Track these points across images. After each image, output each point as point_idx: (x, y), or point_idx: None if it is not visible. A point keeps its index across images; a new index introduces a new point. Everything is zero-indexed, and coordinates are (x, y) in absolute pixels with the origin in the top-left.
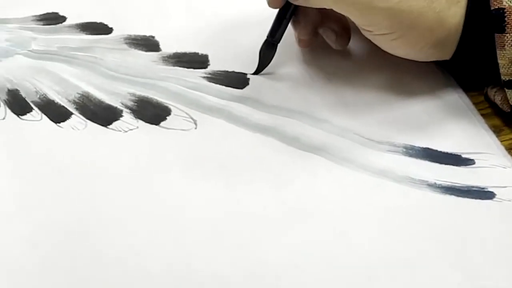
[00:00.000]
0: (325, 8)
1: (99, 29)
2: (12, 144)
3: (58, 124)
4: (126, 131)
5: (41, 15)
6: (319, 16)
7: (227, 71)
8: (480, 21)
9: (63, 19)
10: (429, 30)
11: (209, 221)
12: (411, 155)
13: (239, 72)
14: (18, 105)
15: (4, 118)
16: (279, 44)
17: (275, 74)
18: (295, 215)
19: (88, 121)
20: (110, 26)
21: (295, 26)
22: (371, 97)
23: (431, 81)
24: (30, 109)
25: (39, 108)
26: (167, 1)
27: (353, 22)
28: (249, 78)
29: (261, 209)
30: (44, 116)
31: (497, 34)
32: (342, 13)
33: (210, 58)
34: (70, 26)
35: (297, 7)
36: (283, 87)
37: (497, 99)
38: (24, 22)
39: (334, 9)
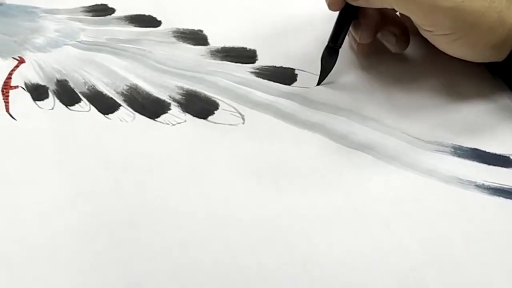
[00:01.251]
0: (384, 10)
1: (147, 21)
2: (60, 135)
3: (106, 115)
4: (174, 125)
5: (90, 6)
6: (378, 19)
7: (275, 67)
8: None
9: (111, 11)
10: (490, 30)
11: (256, 216)
12: (459, 156)
13: (287, 68)
14: (67, 95)
15: (52, 108)
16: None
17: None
18: (344, 213)
19: (136, 114)
20: (158, 19)
21: (355, 30)
22: (419, 97)
23: (481, 83)
24: (78, 100)
25: (88, 99)
26: None
27: (412, 24)
28: (297, 74)
29: (309, 206)
30: (93, 107)
31: None
32: (404, 13)
33: (258, 53)
34: (119, 18)
35: (357, 9)
36: (332, 85)
37: None
38: (73, 13)
39: (396, 8)
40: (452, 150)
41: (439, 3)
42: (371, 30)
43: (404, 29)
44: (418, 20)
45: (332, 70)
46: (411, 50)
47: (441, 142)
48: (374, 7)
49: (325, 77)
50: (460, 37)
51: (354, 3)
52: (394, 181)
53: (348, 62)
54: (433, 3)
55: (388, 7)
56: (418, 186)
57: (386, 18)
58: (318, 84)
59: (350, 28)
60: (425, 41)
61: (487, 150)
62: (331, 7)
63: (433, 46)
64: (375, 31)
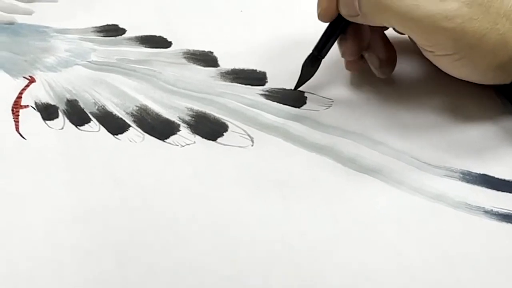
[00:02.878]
0: (375, 30)
1: (158, 42)
2: (70, 154)
3: (115, 136)
4: (183, 146)
5: (101, 26)
6: (367, 39)
7: (285, 89)
8: None
9: (122, 31)
10: (492, 52)
11: (265, 238)
12: (468, 181)
13: (296, 90)
14: (77, 115)
15: (62, 128)
16: (337, 66)
17: (331, 94)
18: (350, 235)
19: (146, 134)
20: (169, 40)
21: (341, 44)
22: (428, 121)
23: (489, 106)
24: (88, 120)
25: (97, 119)
26: (226, 17)
27: (414, 43)
28: (306, 97)
29: (316, 228)
30: (102, 128)
31: None
32: (405, 32)
33: (268, 75)
34: (130, 39)
35: (348, 24)
36: (340, 108)
37: None
38: (84, 33)
39: (397, 27)
40: (461, 175)
41: (440, 23)
42: (356, 48)
43: (391, 54)
44: (419, 40)
45: (342, 93)
46: (416, 69)
47: (450, 167)
48: (373, 25)
49: (303, 84)
50: (462, 58)
51: (351, 19)
52: (402, 205)
53: (357, 84)
54: (433, 24)
55: (388, 25)
56: (426, 211)
57: (375, 39)
58: (295, 89)
59: (337, 42)
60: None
61: (496, 176)
62: (321, 17)
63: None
64: (359, 50)
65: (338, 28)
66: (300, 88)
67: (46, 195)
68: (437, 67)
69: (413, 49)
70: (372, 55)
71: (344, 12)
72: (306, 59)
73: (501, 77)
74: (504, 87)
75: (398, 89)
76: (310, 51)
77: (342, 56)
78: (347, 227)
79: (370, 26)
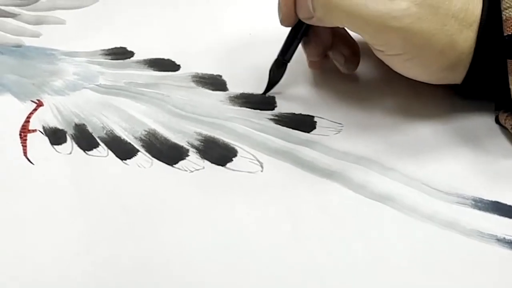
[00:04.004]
0: (336, 30)
1: (166, 65)
2: (78, 180)
3: (124, 161)
4: (192, 171)
5: (109, 49)
6: (330, 39)
7: (294, 114)
8: (492, 46)
9: (130, 54)
10: (441, 53)
11: (274, 265)
12: (480, 208)
13: (306, 115)
14: (85, 140)
15: (70, 153)
16: (347, 91)
17: (341, 119)
18: (361, 263)
19: (154, 159)
20: (177, 63)
21: (305, 46)
22: (439, 147)
23: (503, 133)
24: (96, 145)
25: (106, 144)
26: (234, 40)
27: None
28: (316, 122)
29: (327, 256)
30: (110, 152)
31: (510, 60)
32: (355, 31)
33: (277, 99)
34: (138, 62)
35: (308, 27)
36: (350, 132)
37: (508, 124)
38: (92, 56)
39: (348, 27)
40: (473, 202)
41: (389, 23)
42: (320, 48)
43: (354, 50)
44: (369, 39)
45: (352, 117)
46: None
47: (461, 194)
48: (328, 26)
49: (271, 89)
50: (412, 58)
51: (308, 22)
52: (414, 233)
53: (367, 108)
54: (383, 23)
55: (340, 26)
56: (438, 239)
57: (338, 38)
58: (264, 94)
59: (300, 44)
60: None
61: (509, 203)
62: (283, 22)
63: None
64: (324, 50)
65: (299, 32)
66: (310, 113)
67: (54, 221)
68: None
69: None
70: (336, 53)
71: (301, 16)
72: (272, 64)
73: (452, 77)
74: (456, 86)
75: (408, 115)
76: (319, 75)
77: (308, 57)
78: (358, 255)
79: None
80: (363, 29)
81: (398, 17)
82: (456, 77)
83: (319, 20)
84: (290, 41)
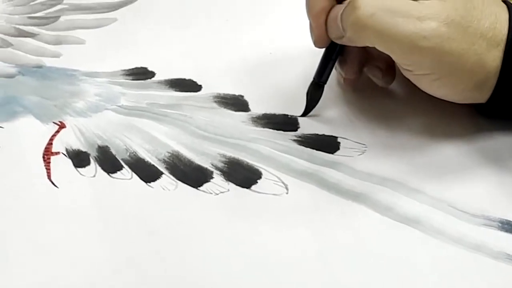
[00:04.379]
0: (368, 47)
1: (188, 86)
2: (103, 204)
3: (148, 183)
4: (217, 194)
5: (130, 69)
6: (364, 55)
7: (317, 134)
8: None
9: (151, 74)
10: (470, 72)
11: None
12: (507, 230)
13: (329, 136)
14: (109, 162)
15: (94, 176)
16: (369, 113)
17: (365, 139)
18: (389, 287)
19: (179, 182)
20: (199, 83)
21: (341, 66)
22: (464, 168)
23: None
24: (120, 167)
25: (129, 167)
26: (254, 60)
27: None
28: (339, 142)
29: (354, 280)
30: (134, 175)
31: None
32: (385, 51)
33: (299, 120)
34: (159, 82)
35: (343, 46)
36: (374, 153)
37: None
38: (113, 76)
39: (377, 47)
40: (500, 224)
41: (418, 42)
42: (356, 65)
43: (390, 63)
44: (399, 59)
45: (376, 138)
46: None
47: (488, 216)
48: (358, 45)
49: (310, 111)
50: (440, 78)
51: (339, 42)
52: (442, 256)
53: (391, 129)
54: (412, 43)
55: (370, 45)
56: (466, 262)
57: (371, 53)
58: (302, 116)
59: (336, 64)
60: None
61: None
62: (316, 44)
63: None
64: (360, 67)
65: (333, 52)
66: (333, 133)
67: (81, 245)
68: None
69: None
70: (373, 68)
71: (332, 36)
72: (309, 87)
73: (478, 96)
74: (480, 106)
75: (432, 135)
76: (340, 97)
77: (345, 75)
78: (386, 279)
79: None
80: (393, 49)
81: (427, 36)
82: (482, 96)
83: (350, 40)
84: (325, 62)
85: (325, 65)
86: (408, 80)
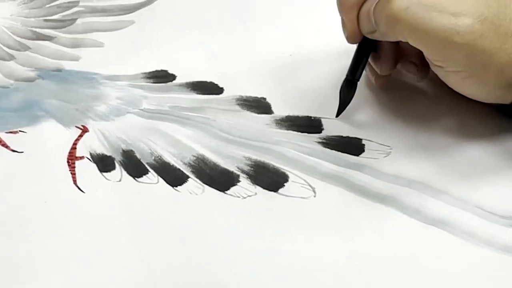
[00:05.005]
0: (401, 42)
1: (209, 88)
2: (130, 209)
3: (175, 188)
4: (245, 198)
5: (150, 72)
6: (398, 51)
7: (342, 136)
8: None
9: (172, 77)
10: (499, 72)
11: None
12: None
13: (353, 138)
14: (134, 167)
15: (120, 180)
16: (392, 113)
17: (389, 141)
18: None
19: (205, 186)
20: (220, 86)
21: (375, 62)
22: (490, 168)
23: None
24: (146, 172)
25: (155, 171)
26: (274, 62)
27: None
28: (364, 144)
29: (383, 282)
30: (161, 179)
31: None
32: (418, 46)
33: (323, 122)
34: (180, 85)
35: (375, 42)
36: (399, 155)
37: None
38: (134, 79)
39: (410, 42)
40: None
41: (452, 38)
42: (391, 61)
43: (422, 58)
44: (431, 54)
45: (400, 139)
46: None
47: None
48: (390, 40)
49: (343, 110)
50: (471, 76)
51: (371, 37)
52: (470, 258)
53: (414, 130)
54: (447, 38)
55: (403, 40)
56: (495, 263)
57: (404, 49)
58: (337, 116)
59: (370, 61)
60: None
61: None
62: (349, 40)
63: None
64: (395, 63)
65: (367, 48)
66: (358, 136)
67: (111, 252)
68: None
69: None
70: (407, 63)
71: (364, 31)
72: (342, 85)
73: (505, 96)
74: (504, 107)
75: (456, 136)
76: (364, 97)
77: (380, 72)
78: (416, 282)
79: None
80: (426, 44)
81: (461, 33)
82: (509, 97)
83: (382, 35)
84: (358, 59)
85: (358, 61)
86: (432, 82)
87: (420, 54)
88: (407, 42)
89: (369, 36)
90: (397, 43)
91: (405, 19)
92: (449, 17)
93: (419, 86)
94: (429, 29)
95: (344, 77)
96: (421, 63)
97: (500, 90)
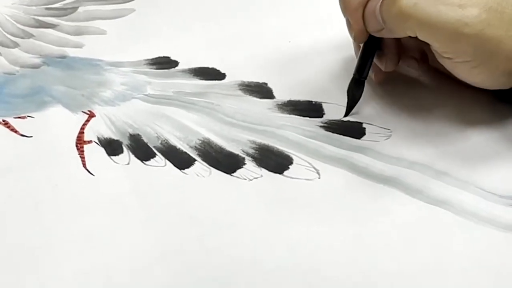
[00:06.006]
0: (403, 38)
1: (212, 74)
2: (141, 192)
3: (182, 170)
4: (251, 180)
5: (153, 59)
6: (400, 47)
7: (343, 121)
8: None
9: (175, 63)
10: (506, 59)
11: (338, 272)
12: None
13: (354, 121)
14: (141, 150)
15: (128, 164)
16: (391, 96)
17: (389, 124)
18: (427, 269)
19: (212, 168)
20: (222, 71)
21: (380, 60)
22: (489, 151)
23: None
24: (153, 155)
25: (162, 154)
26: (274, 49)
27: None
28: (365, 128)
29: (391, 261)
30: (168, 162)
31: None
32: (427, 40)
33: (324, 107)
34: (183, 71)
35: (380, 40)
36: (400, 137)
37: None
38: (137, 65)
39: (420, 37)
40: None
41: (461, 29)
42: (395, 57)
43: (423, 53)
44: (441, 47)
45: (400, 122)
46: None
47: None
48: (397, 37)
49: (352, 109)
50: (479, 65)
51: (378, 35)
52: (474, 237)
53: (414, 113)
54: (455, 30)
55: (412, 35)
56: (498, 242)
57: (405, 45)
58: (346, 115)
59: (374, 59)
60: None
61: None
62: (356, 39)
63: None
64: (398, 59)
65: (373, 47)
66: (357, 119)
67: (123, 233)
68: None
69: None
70: (408, 59)
71: (370, 29)
72: (350, 84)
73: (509, 82)
74: (502, 92)
75: (456, 120)
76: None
77: (385, 69)
78: (423, 260)
79: None
80: (435, 37)
81: (469, 23)
82: (511, 82)
83: (390, 32)
84: (365, 57)
85: (365, 60)
86: (432, 70)
87: (419, 49)
88: (409, 38)
89: (376, 35)
90: (399, 40)
91: (414, 15)
92: (456, 9)
93: (416, 75)
94: (438, 23)
95: (343, 62)
96: (421, 57)
97: (505, 76)
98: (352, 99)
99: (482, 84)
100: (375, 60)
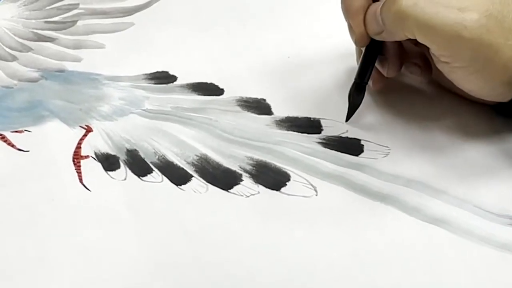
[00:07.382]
0: (403, 43)
1: (210, 89)
2: (137, 207)
3: (179, 186)
4: (248, 196)
5: (151, 73)
6: (402, 53)
7: (341, 137)
8: None
9: (173, 78)
10: (504, 68)
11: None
12: None
13: (352, 138)
14: (138, 166)
15: (125, 179)
16: (390, 114)
17: (388, 142)
18: (423, 286)
19: (209, 185)
20: (221, 87)
21: (382, 65)
22: (487, 168)
23: None
24: (150, 170)
25: (159, 170)
26: (273, 64)
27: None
28: (363, 145)
29: (388, 282)
30: (165, 178)
31: None
32: (426, 42)
33: (322, 123)
34: (182, 86)
35: (382, 44)
36: (398, 155)
37: None
38: (136, 80)
39: (418, 38)
40: None
41: (460, 32)
42: (397, 63)
43: (425, 59)
44: (439, 50)
45: (398, 140)
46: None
47: None
48: (398, 40)
49: (353, 114)
50: (476, 71)
51: (378, 38)
52: (470, 256)
53: (413, 131)
54: (453, 32)
55: (411, 37)
56: (494, 261)
57: (408, 51)
58: (347, 120)
59: (376, 64)
60: None
61: None
62: (358, 43)
63: None
64: (400, 64)
65: (374, 51)
66: (356, 136)
67: (118, 249)
68: None
69: None
70: (410, 65)
71: (371, 32)
72: (351, 89)
73: (506, 94)
74: (502, 106)
75: (454, 137)
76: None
77: (387, 75)
78: (419, 279)
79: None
80: (433, 39)
81: (468, 27)
82: (509, 94)
83: (390, 34)
84: (366, 62)
85: (366, 65)
86: (431, 83)
87: (423, 55)
88: (412, 43)
89: (376, 37)
90: (401, 45)
91: (413, 15)
92: (456, 12)
93: (417, 87)
94: (437, 24)
95: (342, 78)
96: (424, 64)
97: (503, 86)
98: (353, 104)
99: (480, 93)
100: (377, 65)
